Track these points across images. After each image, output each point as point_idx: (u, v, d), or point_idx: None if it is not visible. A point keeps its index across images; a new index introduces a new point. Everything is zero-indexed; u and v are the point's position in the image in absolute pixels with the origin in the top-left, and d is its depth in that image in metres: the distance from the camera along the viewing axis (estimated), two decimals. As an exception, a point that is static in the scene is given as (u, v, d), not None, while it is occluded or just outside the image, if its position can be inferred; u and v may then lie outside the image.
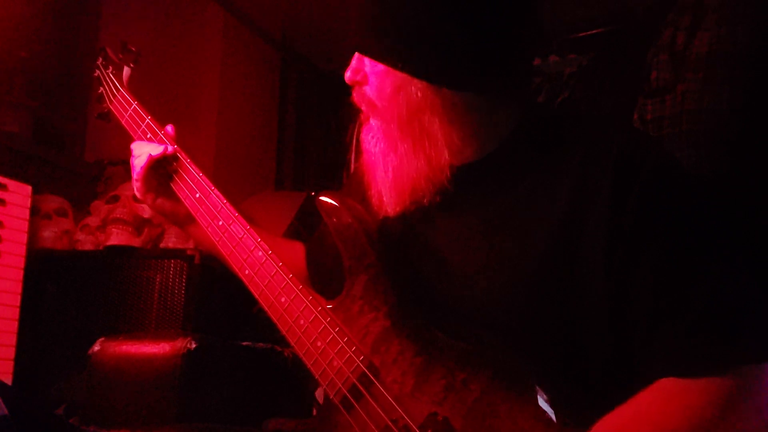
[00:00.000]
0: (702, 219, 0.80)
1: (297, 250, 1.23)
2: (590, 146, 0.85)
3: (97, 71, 1.33)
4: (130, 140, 1.23)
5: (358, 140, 0.96)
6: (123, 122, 1.24)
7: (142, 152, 1.16)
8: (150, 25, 2.89)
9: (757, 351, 0.71)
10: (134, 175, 1.18)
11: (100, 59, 1.33)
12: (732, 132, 1.27)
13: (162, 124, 1.21)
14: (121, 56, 1.31)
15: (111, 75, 1.29)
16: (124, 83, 1.27)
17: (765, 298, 0.74)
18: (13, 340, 1.71)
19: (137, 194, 1.20)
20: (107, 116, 1.32)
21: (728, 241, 0.79)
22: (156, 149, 1.14)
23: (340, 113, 3.75)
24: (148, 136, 1.19)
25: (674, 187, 0.81)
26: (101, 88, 1.31)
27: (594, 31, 2.97)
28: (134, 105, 1.22)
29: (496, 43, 0.84)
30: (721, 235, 0.79)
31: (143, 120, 1.20)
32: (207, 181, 1.11)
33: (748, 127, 1.25)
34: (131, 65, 1.30)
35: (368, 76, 0.90)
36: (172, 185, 1.15)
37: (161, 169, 1.16)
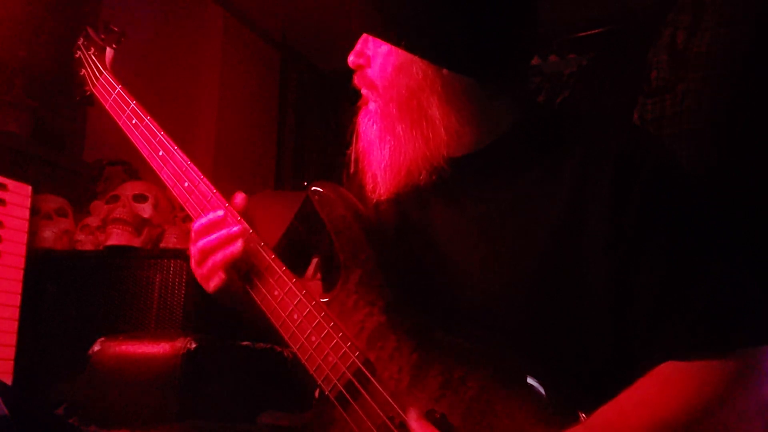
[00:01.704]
0: (702, 218, 0.80)
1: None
2: (590, 145, 0.85)
3: (78, 52, 1.26)
4: (126, 136, 1.16)
5: (357, 133, 0.96)
6: (107, 107, 1.18)
7: (212, 239, 0.97)
8: (150, 25, 2.89)
9: (752, 334, 0.72)
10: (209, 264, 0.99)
11: (81, 39, 1.26)
12: (732, 131, 1.27)
13: (160, 123, 1.14)
14: (103, 37, 1.25)
15: (93, 57, 1.23)
16: (107, 66, 1.22)
17: (761, 290, 0.75)
18: (13, 340, 1.71)
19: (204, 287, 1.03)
20: (89, 99, 1.25)
21: (727, 239, 0.79)
22: (235, 245, 0.96)
23: (339, 113, 3.75)
24: (134, 121, 1.12)
25: (675, 186, 0.81)
26: (83, 70, 1.25)
27: (594, 31, 2.97)
28: (118, 89, 1.17)
29: (498, 31, 0.85)
30: (721, 233, 0.79)
31: (128, 105, 1.14)
32: (195, 168, 1.05)
33: (747, 126, 1.25)
34: (114, 46, 1.24)
35: (371, 59, 0.92)
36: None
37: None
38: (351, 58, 0.94)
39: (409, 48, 0.86)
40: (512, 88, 0.92)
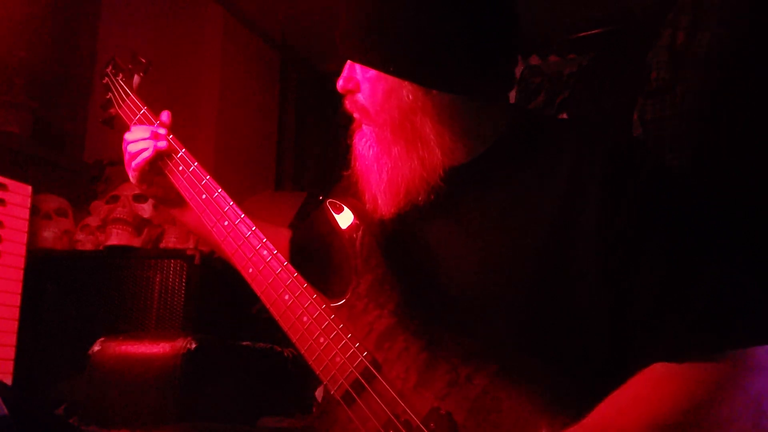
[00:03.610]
0: (698, 219, 0.81)
1: (281, 235, 1.25)
2: (583, 145, 0.86)
3: (106, 78, 1.34)
4: None
5: (354, 154, 0.98)
6: (131, 126, 1.25)
7: (138, 140, 1.18)
8: (150, 25, 2.89)
9: (744, 335, 0.73)
10: (132, 165, 1.19)
11: (110, 67, 1.34)
12: (732, 132, 1.27)
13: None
14: (130, 66, 1.32)
15: (121, 81, 1.31)
16: (134, 89, 1.29)
17: (753, 291, 0.76)
18: (13, 340, 1.71)
19: (132, 181, 1.23)
20: (112, 122, 1.33)
21: (722, 240, 0.80)
22: (158, 144, 1.16)
23: (339, 113, 3.75)
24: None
25: (671, 187, 0.83)
26: (109, 94, 1.33)
27: (594, 31, 2.97)
28: (144, 110, 1.24)
29: (483, 48, 0.86)
30: (716, 234, 0.80)
31: (152, 125, 1.21)
32: (213, 182, 1.12)
33: (747, 126, 1.26)
34: (141, 74, 1.31)
35: (360, 84, 0.92)
36: (169, 176, 1.17)
37: (159, 161, 1.19)
38: (340, 84, 0.94)
39: (398, 73, 0.87)
40: (500, 97, 0.94)
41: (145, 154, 1.17)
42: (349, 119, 0.98)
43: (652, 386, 0.73)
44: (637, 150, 0.85)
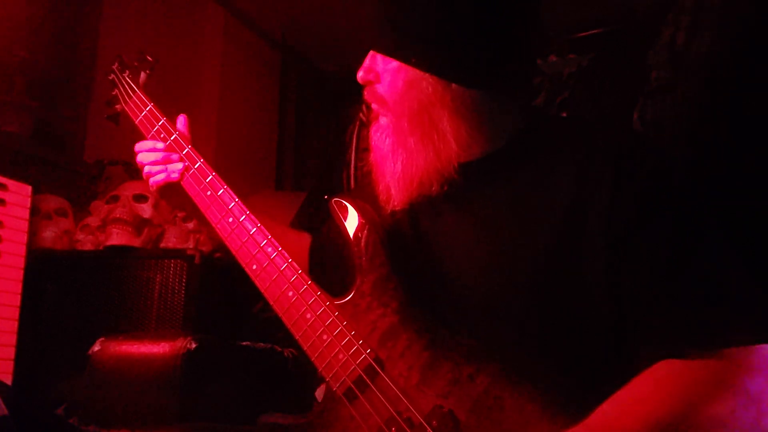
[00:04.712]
0: (699, 218, 0.81)
1: (302, 239, 1.26)
2: (591, 146, 0.87)
3: (112, 75, 1.35)
4: (135, 140, 1.24)
5: (358, 140, 0.98)
6: (137, 122, 1.25)
7: (151, 163, 1.18)
8: (150, 25, 2.89)
9: (742, 334, 0.74)
10: (149, 183, 1.20)
11: (116, 64, 1.35)
12: (732, 132, 1.27)
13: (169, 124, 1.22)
14: (136, 63, 1.33)
15: (127, 78, 1.31)
16: (141, 86, 1.30)
17: (751, 289, 0.76)
18: (13, 340, 1.71)
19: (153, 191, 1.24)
20: (117, 118, 1.34)
21: (721, 238, 0.80)
22: (175, 170, 1.17)
23: (340, 113, 3.75)
24: (162, 135, 1.20)
25: (670, 186, 0.83)
26: (115, 90, 1.33)
27: (594, 31, 2.98)
28: (150, 106, 1.24)
29: (505, 45, 0.87)
30: (715, 232, 0.81)
31: (158, 120, 1.22)
32: (219, 179, 1.12)
33: (747, 126, 1.26)
34: (147, 71, 1.32)
35: (380, 75, 0.94)
36: (182, 184, 1.17)
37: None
38: (360, 74, 0.96)
39: (420, 65, 0.88)
40: (517, 96, 0.95)
41: (159, 177, 1.18)
42: (350, 119, 0.98)
43: (653, 386, 0.74)
44: (641, 150, 0.85)
